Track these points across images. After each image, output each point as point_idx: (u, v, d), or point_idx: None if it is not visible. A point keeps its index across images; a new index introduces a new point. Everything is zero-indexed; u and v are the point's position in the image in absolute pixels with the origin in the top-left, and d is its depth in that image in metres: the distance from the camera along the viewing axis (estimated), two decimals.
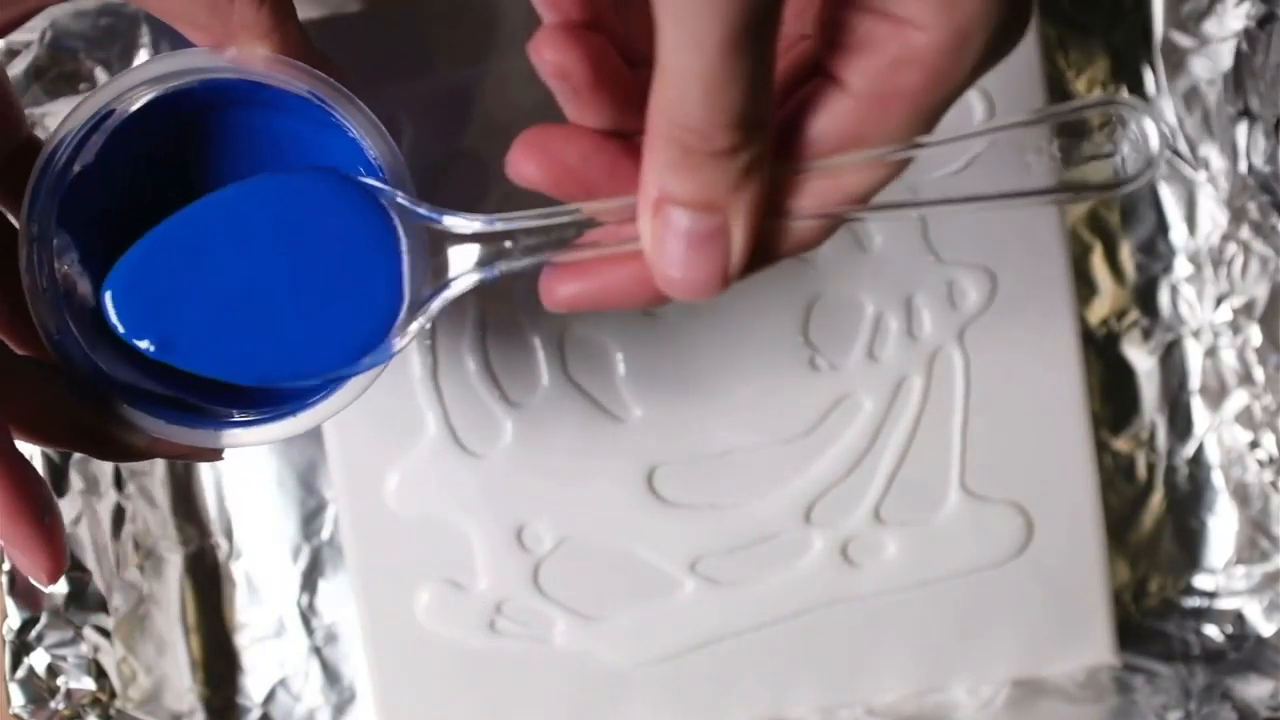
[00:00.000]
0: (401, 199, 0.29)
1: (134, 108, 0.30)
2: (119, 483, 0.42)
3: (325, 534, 0.44)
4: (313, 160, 0.32)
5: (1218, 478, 0.46)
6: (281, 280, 0.29)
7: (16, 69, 0.41)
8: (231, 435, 0.30)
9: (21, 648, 0.40)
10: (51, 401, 0.29)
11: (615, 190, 0.26)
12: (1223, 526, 0.46)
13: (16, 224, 0.30)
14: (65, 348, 0.29)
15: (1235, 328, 0.45)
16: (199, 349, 0.28)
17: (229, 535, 0.44)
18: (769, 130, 0.24)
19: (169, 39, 0.43)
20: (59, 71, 0.42)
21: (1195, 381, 0.46)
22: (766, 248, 0.26)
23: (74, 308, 0.30)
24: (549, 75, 0.25)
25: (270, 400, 0.31)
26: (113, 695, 0.41)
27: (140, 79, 0.29)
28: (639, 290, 0.27)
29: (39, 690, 0.40)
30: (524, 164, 0.26)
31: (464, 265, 0.28)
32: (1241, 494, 0.45)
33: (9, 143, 0.30)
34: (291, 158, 0.32)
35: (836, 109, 0.25)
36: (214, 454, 0.31)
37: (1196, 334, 0.45)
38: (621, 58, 0.26)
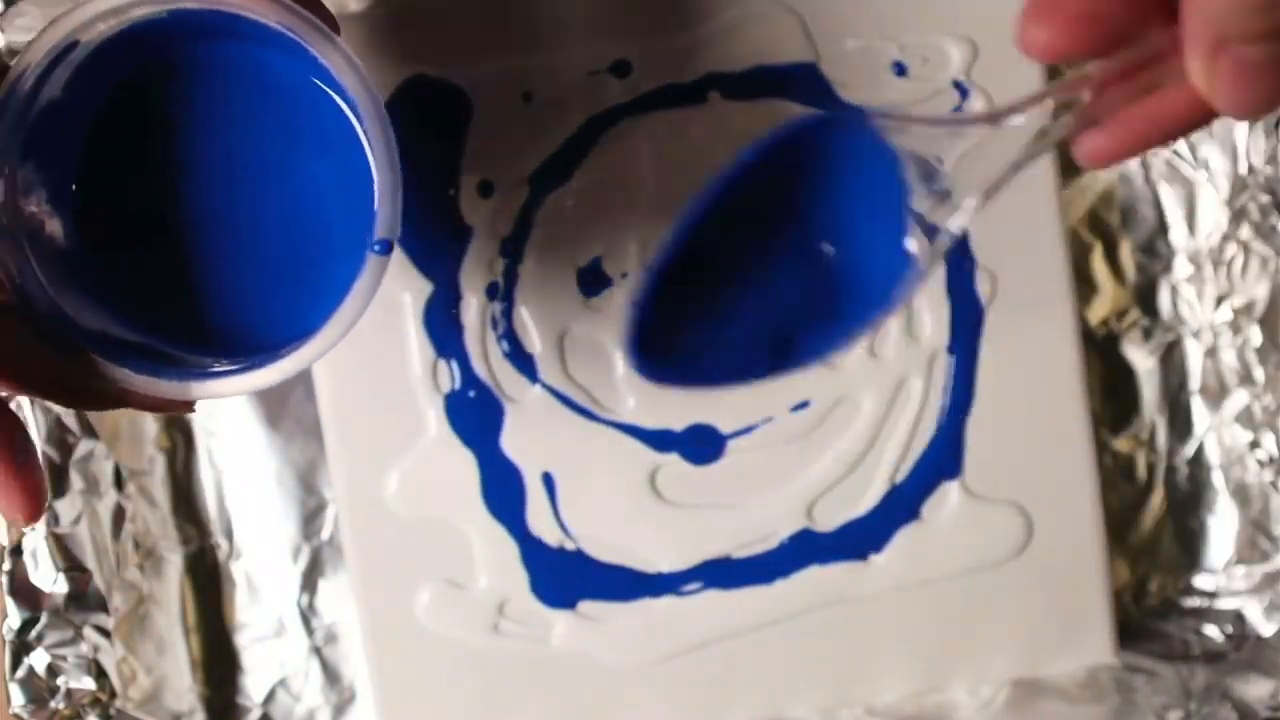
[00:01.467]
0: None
1: (100, 39, 0.29)
2: (119, 483, 0.42)
3: (325, 534, 0.44)
4: (286, 97, 0.31)
5: (1218, 478, 0.46)
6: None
7: None
8: (204, 386, 0.29)
9: (21, 648, 0.40)
10: (20, 347, 0.28)
11: (1143, 29, 0.26)
12: (1223, 526, 0.46)
13: None
14: (27, 291, 0.28)
15: (1235, 328, 0.45)
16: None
17: (229, 535, 0.44)
18: None
19: None
20: None
21: (1195, 381, 0.45)
22: None
23: (40, 248, 0.29)
24: (1044, 57, 0.26)
25: (245, 351, 0.31)
26: (113, 695, 0.41)
27: (104, 7, 0.28)
28: (1185, 119, 0.27)
29: (39, 690, 0.40)
30: (1039, 30, 0.25)
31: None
32: (1241, 494, 0.45)
33: None
34: (266, 92, 0.32)
35: None
36: (185, 406, 0.30)
37: (1196, 334, 0.45)
38: None
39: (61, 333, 0.29)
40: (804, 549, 0.42)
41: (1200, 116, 0.27)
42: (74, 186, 0.31)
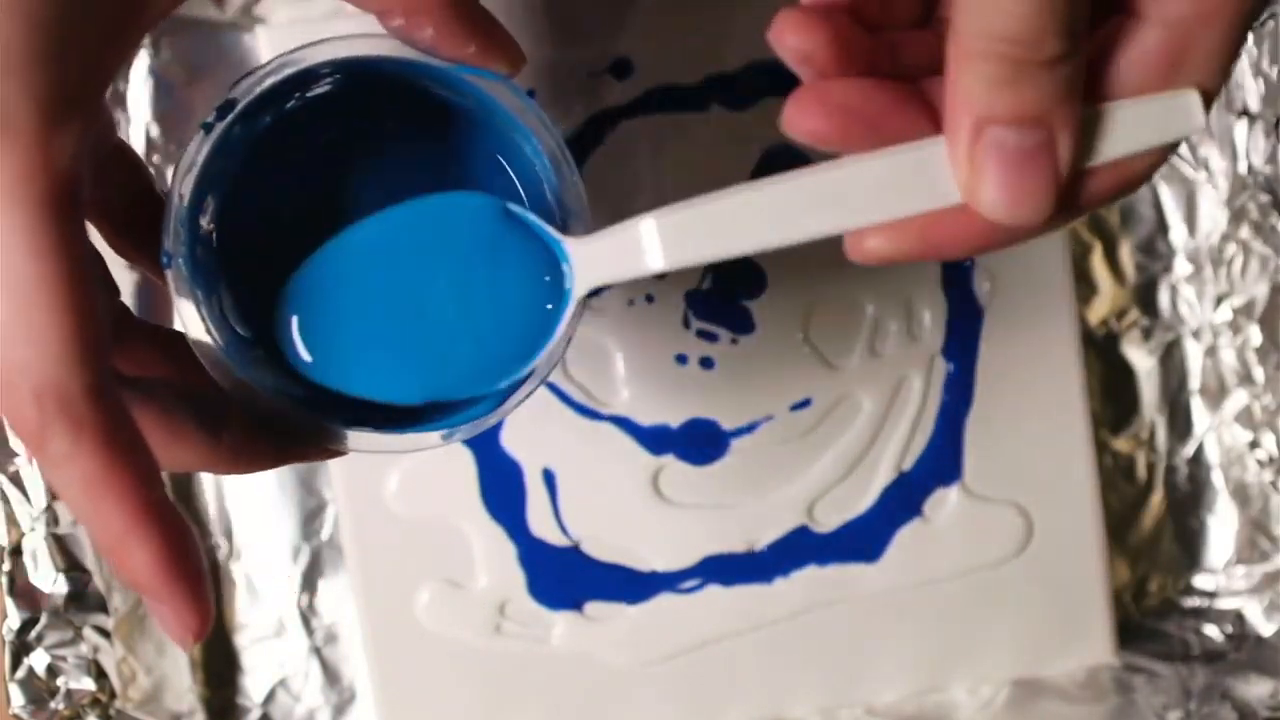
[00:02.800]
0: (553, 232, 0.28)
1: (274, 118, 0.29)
2: None
3: (325, 534, 0.44)
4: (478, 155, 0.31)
5: (1218, 478, 0.46)
6: (442, 301, 0.29)
7: None
8: (420, 438, 0.29)
9: (21, 648, 0.40)
10: (184, 426, 0.27)
11: (904, 129, 0.25)
12: (1223, 526, 0.46)
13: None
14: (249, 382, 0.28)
15: (1235, 328, 0.45)
16: (365, 373, 0.29)
17: (229, 535, 0.44)
18: (1087, 34, 0.24)
19: (169, 39, 0.43)
20: None
21: (1195, 381, 0.46)
22: (1071, 196, 0.25)
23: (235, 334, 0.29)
24: (792, 61, 0.25)
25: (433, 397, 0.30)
26: (113, 695, 0.41)
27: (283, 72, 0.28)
28: (960, 235, 0.26)
29: (39, 690, 0.40)
30: (804, 119, 0.25)
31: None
32: (1241, 494, 0.45)
33: (101, 152, 0.29)
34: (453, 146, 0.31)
35: (1143, 43, 0.25)
36: (338, 452, 0.30)
37: (1196, 334, 0.45)
38: (860, 23, 0.26)
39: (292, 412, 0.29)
40: (804, 548, 0.42)
41: (975, 233, 0.25)
42: (250, 257, 0.30)
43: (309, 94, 0.30)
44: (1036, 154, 0.24)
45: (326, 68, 0.29)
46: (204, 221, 0.29)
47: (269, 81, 0.28)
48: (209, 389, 0.28)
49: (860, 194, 0.25)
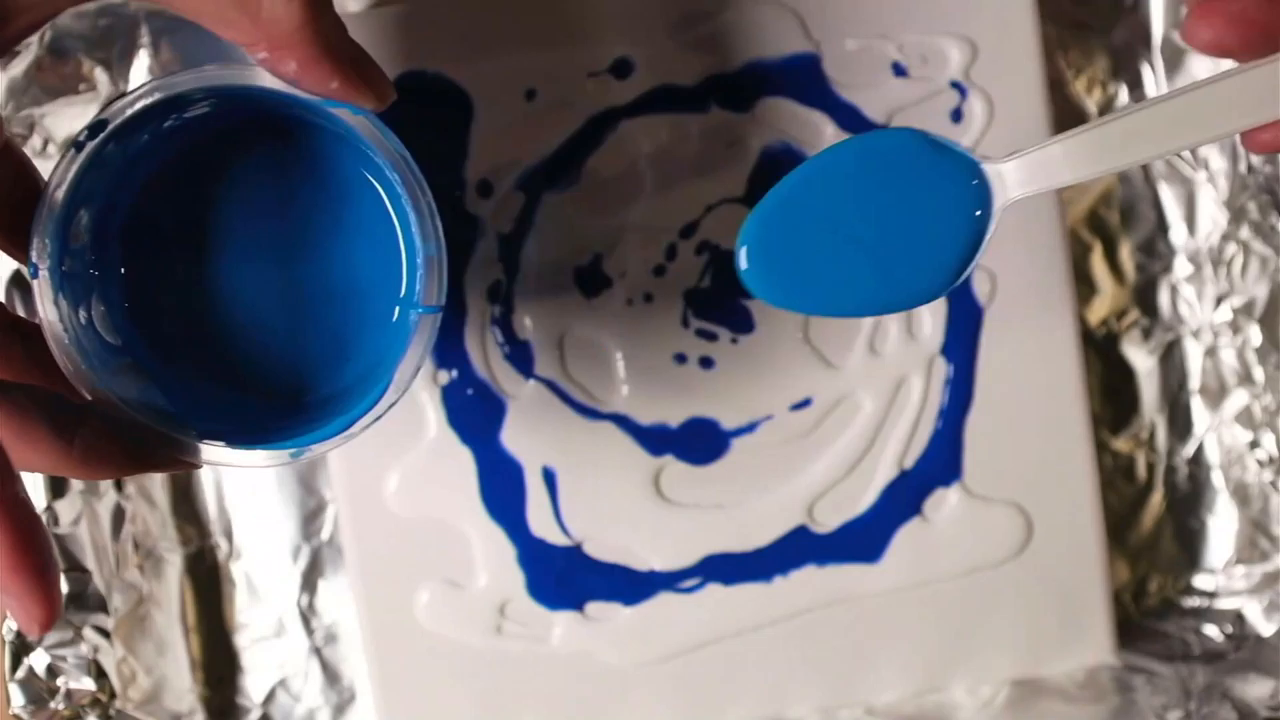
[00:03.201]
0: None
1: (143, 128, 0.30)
2: (119, 483, 0.42)
3: (325, 534, 0.44)
4: (326, 167, 0.33)
5: (1218, 478, 0.46)
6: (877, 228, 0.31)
7: (16, 69, 0.41)
8: (276, 455, 0.30)
9: (21, 648, 0.40)
10: (36, 429, 0.28)
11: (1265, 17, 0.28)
12: (1223, 526, 0.46)
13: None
14: (109, 392, 0.29)
15: (1235, 328, 0.45)
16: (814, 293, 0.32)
17: (229, 535, 0.44)
18: None
19: (169, 39, 0.43)
20: (58, 72, 0.42)
21: (1195, 381, 0.46)
22: None
23: (93, 338, 0.30)
24: (1207, 51, 0.29)
25: (285, 415, 0.32)
26: (113, 695, 0.41)
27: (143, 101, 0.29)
28: None
29: (39, 690, 0.40)
30: (1207, 29, 0.28)
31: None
32: (1241, 494, 0.45)
33: None
34: (306, 162, 0.33)
35: None
36: (193, 465, 0.31)
37: (1196, 334, 0.45)
38: None
39: (138, 422, 0.29)
40: (803, 548, 0.42)
41: None
42: (121, 270, 0.32)
43: (185, 115, 0.31)
44: None
45: (200, 93, 0.29)
46: (75, 234, 0.30)
47: (140, 104, 0.29)
48: (67, 391, 0.29)
49: (1239, 102, 0.28)
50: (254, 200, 0.33)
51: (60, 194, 0.29)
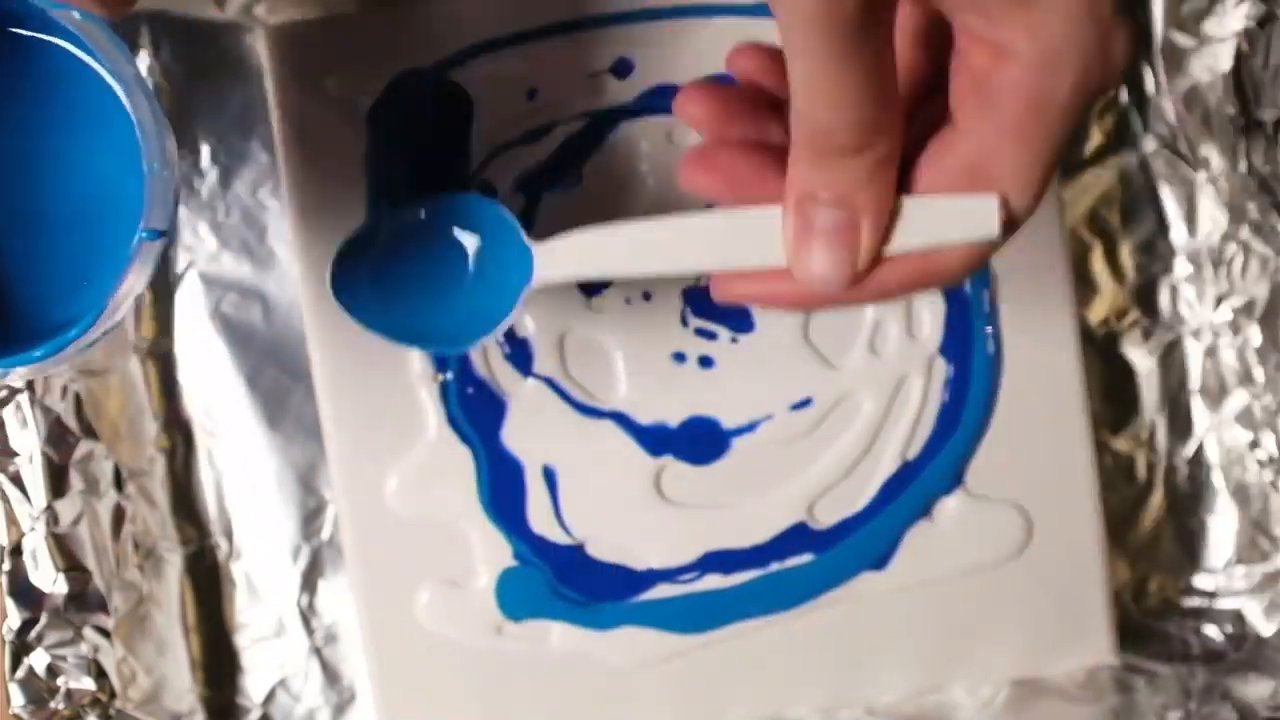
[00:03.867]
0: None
1: None
2: (119, 483, 0.42)
3: (325, 534, 0.44)
4: (65, 82, 0.31)
5: (1218, 478, 0.46)
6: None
7: None
8: None
9: (21, 648, 0.40)
10: None
11: (775, 193, 0.29)
12: (1223, 526, 0.46)
13: None
14: None
15: (1235, 328, 0.45)
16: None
17: (229, 535, 0.44)
18: (895, 135, 0.27)
19: (169, 39, 0.43)
20: None
21: (1195, 381, 0.45)
22: (880, 278, 0.29)
23: None
24: (690, 125, 0.32)
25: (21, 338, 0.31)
26: (113, 695, 0.41)
27: None
28: (787, 295, 0.30)
29: (39, 690, 0.40)
30: (692, 177, 0.31)
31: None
32: (1241, 494, 0.45)
33: None
34: (43, 76, 0.31)
35: (954, 148, 0.28)
36: None
37: (1196, 334, 0.45)
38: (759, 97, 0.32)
39: None
40: (803, 541, 0.42)
41: (796, 295, 0.30)
42: None
43: None
44: (840, 232, 0.28)
45: None
46: None
47: None
48: None
49: (714, 243, 0.30)
50: None
51: None
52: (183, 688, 0.43)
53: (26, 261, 0.31)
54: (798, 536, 0.42)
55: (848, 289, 0.29)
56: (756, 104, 0.32)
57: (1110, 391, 0.45)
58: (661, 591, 0.42)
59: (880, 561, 0.42)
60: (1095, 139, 0.45)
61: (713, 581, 0.42)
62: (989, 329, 0.42)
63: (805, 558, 0.42)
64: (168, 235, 0.29)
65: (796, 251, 0.29)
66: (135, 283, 0.29)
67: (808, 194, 0.28)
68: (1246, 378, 0.45)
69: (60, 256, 0.31)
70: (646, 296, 0.41)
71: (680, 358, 0.41)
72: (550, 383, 0.41)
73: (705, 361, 0.41)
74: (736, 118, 0.31)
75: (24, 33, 0.31)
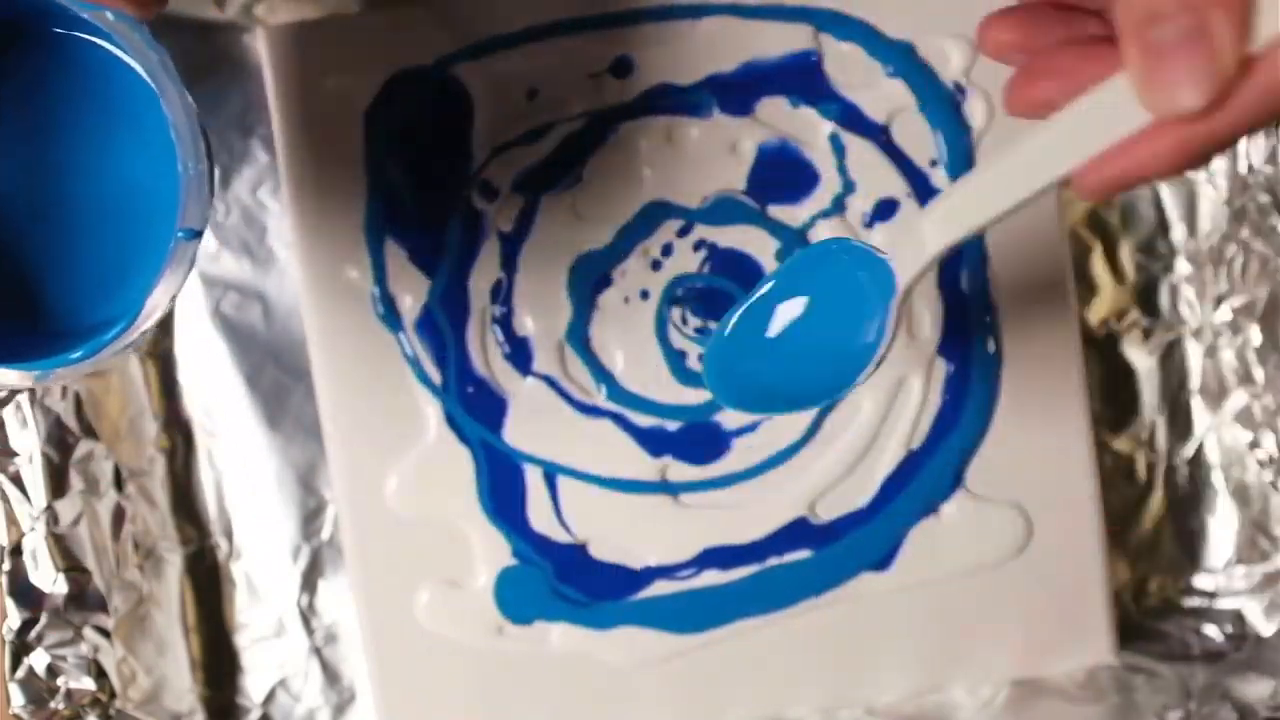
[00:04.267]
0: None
1: None
2: (119, 483, 0.42)
3: (325, 534, 0.44)
4: (101, 83, 0.31)
5: (1218, 478, 0.46)
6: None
7: None
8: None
9: (21, 648, 0.40)
10: None
11: (1075, 67, 0.29)
12: (1223, 526, 0.46)
13: None
14: None
15: (1235, 328, 0.45)
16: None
17: (229, 535, 0.44)
18: None
19: (170, 41, 0.43)
20: None
21: (1195, 381, 0.45)
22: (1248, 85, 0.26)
23: None
24: (1002, 52, 0.31)
25: (59, 336, 0.30)
26: (112, 695, 0.41)
27: None
28: (1162, 152, 0.27)
29: (39, 690, 0.40)
30: (1035, 88, 0.30)
31: None
32: (1241, 494, 0.45)
33: None
34: (82, 78, 0.31)
35: None
36: None
37: (1196, 334, 0.45)
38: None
39: None
40: (802, 536, 0.42)
41: (1170, 147, 0.27)
42: None
43: None
44: (1192, 36, 0.25)
45: None
46: None
47: None
48: None
49: (1065, 142, 0.28)
50: (10, 116, 0.31)
51: None
52: (183, 688, 0.43)
53: (61, 262, 0.31)
54: (796, 532, 0.42)
55: (1218, 106, 0.26)
56: (1058, 6, 0.31)
57: (1110, 391, 0.45)
58: (660, 588, 0.42)
59: (881, 562, 0.42)
60: None
61: (711, 578, 0.42)
62: (989, 330, 0.42)
63: (804, 553, 0.42)
64: (202, 234, 0.29)
65: (1149, 85, 0.26)
66: (172, 283, 0.29)
67: (1147, 17, 0.26)
68: (1246, 378, 0.45)
69: (95, 257, 0.31)
70: (645, 295, 0.41)
71: (680, 355, 0.41)
72: (549, 381, 0.41)
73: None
74: (1046, 23, 0.31)
75: (60, 31, 0.30)
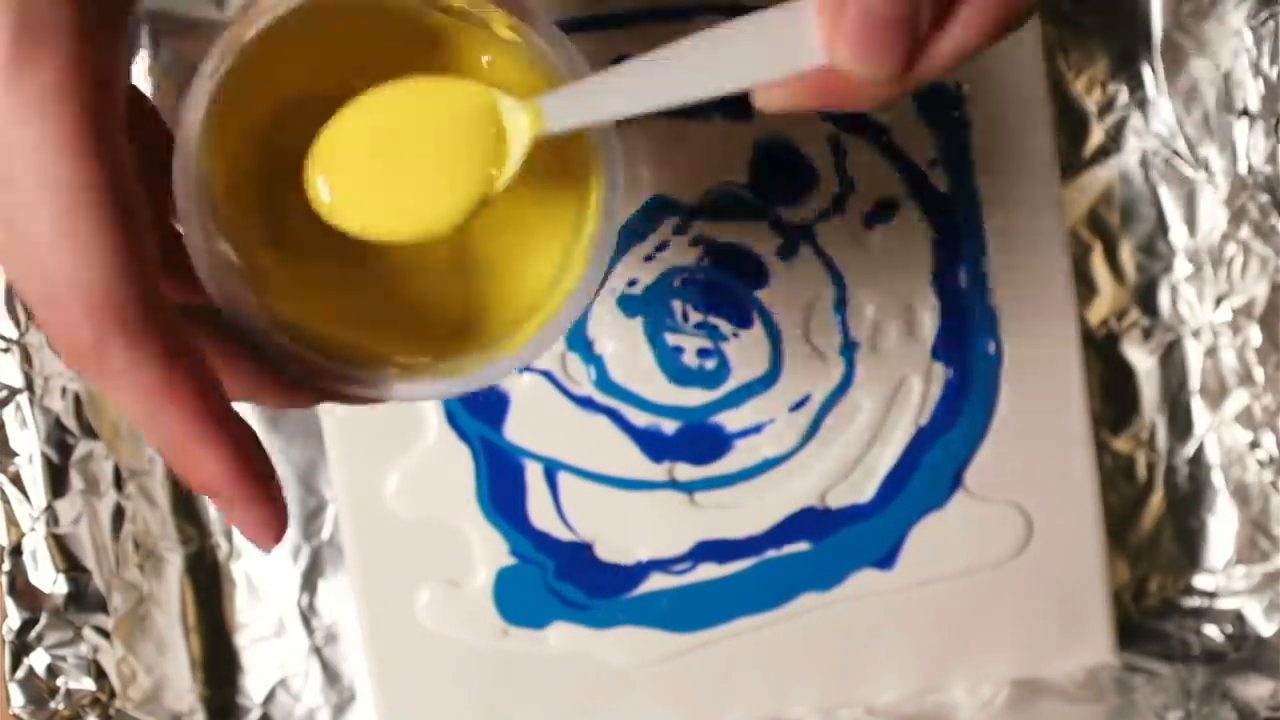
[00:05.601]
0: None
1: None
2: (119, 483, 0.42)
3: (325, 534, 0.44)
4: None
5: (1218, 478, 0.46)
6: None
7: None
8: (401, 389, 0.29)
9: (21, 648, 0.40)
10: (233, 352, 0.27)
11: None
12: (1223, 526, 0.46)
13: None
14: (240, 312, 0.27)
15: (1235, 328, 0.45)
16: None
17: (229, 535, 0.44)
18: None
19: (169, 40, 0.43)
20: None
21: (1195, 381, 0.45)
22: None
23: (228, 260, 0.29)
24: None
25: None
26: (112, 695, 0.41)
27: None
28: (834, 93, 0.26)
29: (39, 690, 0.40)
30: None
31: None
32: (1241, 494, 0.45)
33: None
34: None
35: None
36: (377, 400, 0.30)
37: (1196, 334, 0.45)
38: None
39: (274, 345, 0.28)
40: (800, 533, 0.42)
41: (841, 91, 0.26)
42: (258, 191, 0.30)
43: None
44: (901, 21, 0.24)
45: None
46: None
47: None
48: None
49: (737, 58, 0.27)
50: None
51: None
52: (183, 688, 0.43)
53: (461, 261, 0.31)
54: (794, 526, 0.42)
55: (897, 75, 0.25)
56: None
57: (1110, 391, 0.45)
58: (657, 583, 0.42)
59: (884, 561, 0.42)
60: (1095, 139, 0.45)
61: (708, 571, 0.42)
62: (989, 330, 0.42)
63: (802, 546, 0.42)
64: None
65: (836, 47, 0.25)
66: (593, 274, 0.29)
67: None
68: (1246, 378, 0.45)
69: (494, 257, 0.31)
70: (644, 293, 0.41)
71: (678, 351, 0.41)
72: (548, 376, 0.41)
73: (704, 354, 0.41)
74: None
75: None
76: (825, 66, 0.25)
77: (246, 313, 0.28)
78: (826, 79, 0.26)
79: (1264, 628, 0.44)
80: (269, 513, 0.26)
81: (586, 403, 0.41)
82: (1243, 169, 0.44)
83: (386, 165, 0.28)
